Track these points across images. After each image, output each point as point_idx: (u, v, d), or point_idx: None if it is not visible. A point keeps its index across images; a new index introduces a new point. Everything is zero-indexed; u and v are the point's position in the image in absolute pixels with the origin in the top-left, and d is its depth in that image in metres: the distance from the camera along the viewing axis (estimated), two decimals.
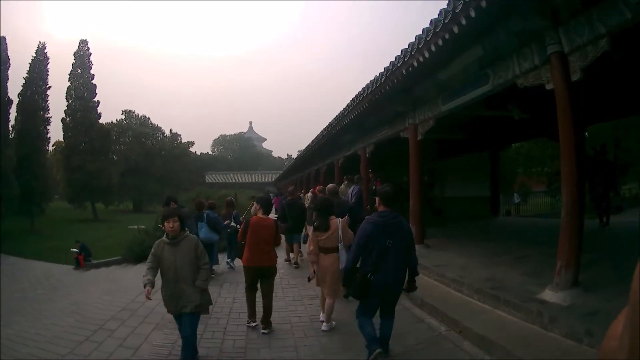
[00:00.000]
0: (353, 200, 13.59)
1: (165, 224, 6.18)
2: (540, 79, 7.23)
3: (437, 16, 8.01)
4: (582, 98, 7.16)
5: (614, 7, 5.75)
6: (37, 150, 49.35)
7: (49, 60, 54.51)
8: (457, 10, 7.14)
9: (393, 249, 5.86)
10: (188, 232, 6.58)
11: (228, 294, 10.39)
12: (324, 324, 7.70)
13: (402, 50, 9.90)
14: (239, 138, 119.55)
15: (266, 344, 7.13)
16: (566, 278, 6.75)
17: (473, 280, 8.64)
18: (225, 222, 12.35)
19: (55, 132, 66.09)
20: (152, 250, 6.32)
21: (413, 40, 9.26)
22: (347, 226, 7.67)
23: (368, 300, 6.13)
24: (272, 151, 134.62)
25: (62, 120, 58.34)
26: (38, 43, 54.82)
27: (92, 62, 62.22)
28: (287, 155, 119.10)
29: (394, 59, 10.50)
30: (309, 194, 18.10)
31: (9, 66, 46.08)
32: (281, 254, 14.02)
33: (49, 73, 54.19)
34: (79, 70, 60.39)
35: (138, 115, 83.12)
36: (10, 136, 46.90)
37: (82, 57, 61.14)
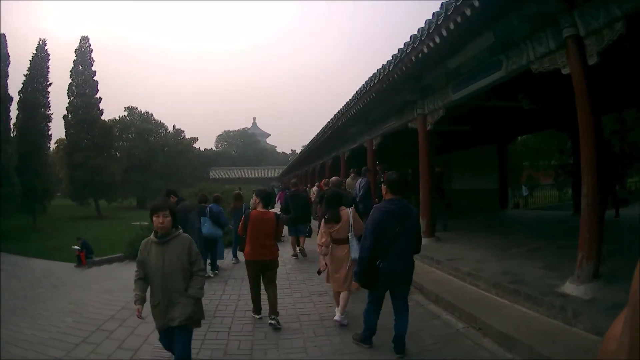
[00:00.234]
0: (361, 193, 13.40)
1: (154, 218, 5.07)
2: (556, 64, 6.97)
3: None
4: (597, 84, 6.82)
5: None
6: (38, 147, 49.01)
7: (50, 57, 54.25)
8: None
9: (403, 235, 5.78)
10: (181, 230, 5.49)
11: (233, 290, 10.08)
12: (338, 314, 7.50)
13: (411, 36, 9.56)
14: (242, 134, 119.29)
15: (274, 344, 6.76)
16: (587, 270, 6.52)
17: (489, 274, 8.35)
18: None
19: (58, 130, 66.12)
20: (138, 255, 5.30)
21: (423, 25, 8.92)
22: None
23: (377, 290, 6.08)
24: (276, 146, 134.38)
25: (64, 117, 57.92)
26: (38, 40, 54.73)
27: (94, 59, 61.87)
28: (292, 150, 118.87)
29: (402, 46, 10.12)
30: (315, 188, 17.92)
31: (9, 63, 45.78)
32: (287, 249, 13.82)
33: (49, 70, 53.88)
34: (80, 67, 59.94)
35: (141, 111, 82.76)
36: (11, 134, 46.69)
37: (84, 54, 60.71)
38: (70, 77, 59.43)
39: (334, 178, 11.87)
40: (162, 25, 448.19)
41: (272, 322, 7.44)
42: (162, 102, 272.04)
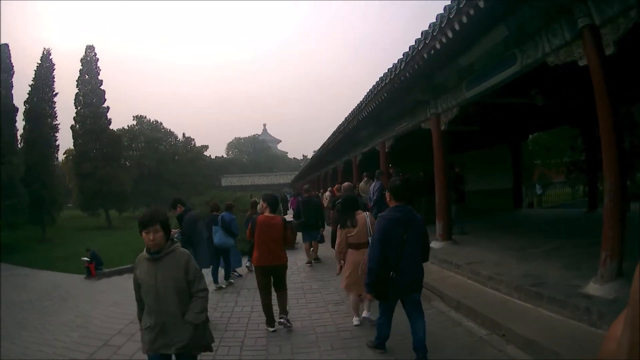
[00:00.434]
0: (375, 197, 13.20)
1: (143, 234, 4.37)
2: (573, 56, 6.72)
3: None
4: (614, 76, 6.50)
5: None
6: (45, 158, 48.70)
7: (55, 67, 53.81)
8: None
9: (409, 242, 5.71)
10: (179, 244, 4.77)
11: (246, 301, 9.82)
12: (365, 311, 7.66)
13: (422, 32, 9.23)
14: (253, 140, 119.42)
15: (289, 358, 6.46)
16: (611, 269, 6.25)
17: (510, 277, 8.08)
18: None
19: (66, 141, 66.07)
20: (134, 273, 4.66)
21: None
22: None
23: (390, 299, 5.97)
24: (287, 152, 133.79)
25: (72, 127, 57.87)
26: (43, 50, 54.55)
27: (100, 68, 61.68)
28: (303, 156, 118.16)
29: (413, 43, 9.80)
30: (327, 193, 17.78)
31: (13, 74, 45.52)
32: (301, 256, 13.66)
33: (55, 80, 53.36)
34: (87, 77, 59.77)
35: (150, 120, 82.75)
36: (18, 145, 46.61)
37: (89, 63, 60.55)
38: (77, 86, 59.32)
39: (345, 183, 11.82)
40: (169, 35, 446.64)
41: (282, 320, 7.62)
42: (172, 111, 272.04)
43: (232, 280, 11.68)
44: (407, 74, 10.53)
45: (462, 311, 7.73)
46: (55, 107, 52.39)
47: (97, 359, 7.08)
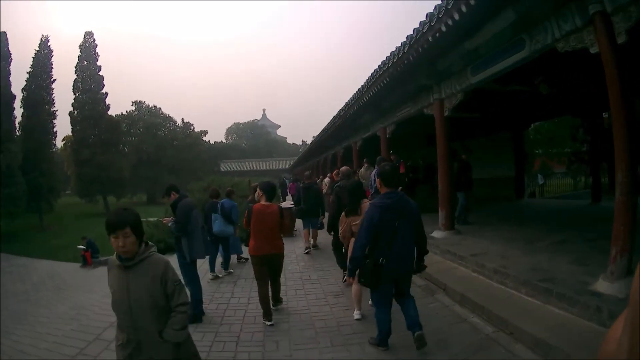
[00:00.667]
0: (376, 184, 12.92)
1: (112, 240, 3.61)
2: (583, 42, 6.49)
3: None
4: (626, 66, 6.25)
5: None
6: (43, 145, 48.93)
7: (53, 54, 54.11)
8: None
9: (402, 230, 5.60)
10: (155, 249, 3.93)
11: (242, 292, 9.51)
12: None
13: (427, 14, 8.91)
14: (252, 126, 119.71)
15: (287, 356, 6.17)
16: (622, 266, 6.03)
17: (517, 270, 7.78)
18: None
19: (65, 128, 66.33)
20: (108, 278, 3.90)
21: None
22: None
23: (382, 288, 5.82)
24: (286, 138, 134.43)
25: (70, 113, 58.26)
26: (41, 37, 54.63)
27: (98, 54, 61.95)
28: (302, 141, 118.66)
29: (417, 25, 9.50)
30: (327, 179, 17.60)
31: (11, 61, 45.41)
32: (299, 244, 13.99)
33: (53, 67, 53.78)
34: (85, 63, 60.07)
35: (149, 105, 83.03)
36: (17, 132, 46.45)
37: (88, 49, 60.84)
38: (75, 73, 59.65)
39: (344, 168, 11.49)
40: (167, 18, 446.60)
41: (274, 307, 7.78)
42: (171, 96, 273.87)
43: (231, 270, 11.45)
44: (411, 57, 10.22)
45: (467, 306, 7.45)
46: (53, 94, 52.81)
47: (86, 355, 6.83)
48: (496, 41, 8.78)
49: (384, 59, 12.02)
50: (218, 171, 77.53)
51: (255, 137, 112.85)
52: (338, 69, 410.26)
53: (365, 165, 16.11)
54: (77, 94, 58.76)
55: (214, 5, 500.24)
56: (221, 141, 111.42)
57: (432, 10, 8.65)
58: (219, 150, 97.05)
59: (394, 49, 11.17)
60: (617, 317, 1.14)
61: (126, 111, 79.10)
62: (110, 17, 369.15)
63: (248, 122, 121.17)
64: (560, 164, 34.51)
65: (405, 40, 10.33)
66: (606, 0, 5.91)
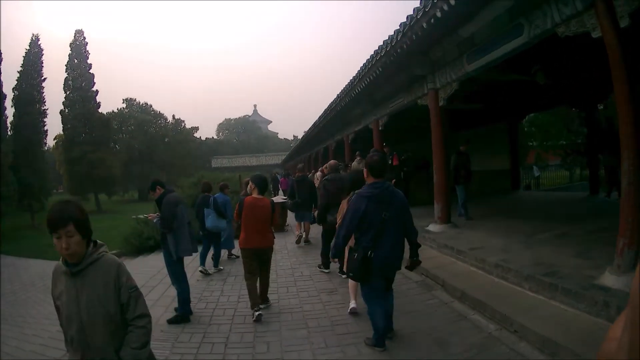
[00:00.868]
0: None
1: (54, 240, 2.97)
2: (585, 26, 6.31)
3: None
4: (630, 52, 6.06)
5: None
6: (34, 143, 48.56)
7: (43, 52, 53.76)
8: None
9: (390, 221, 5.48)
10: (105, 248, 3.26)
11: (232, 291, 9.25)
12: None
13: (421, 0, 8.64)
14: (244, 121, 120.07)
15: (278, 358, 5.89)
16: (629, 258, 5.80)
17: (520, 265, 7.53)
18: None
19: (56, 127, 66.53)
20: (51, 289, 3.26)
21: None
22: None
23: (372, 281, 5.66)
24: (277, 133, 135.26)
25: (61, 112, 58.21)
26: (31, 35, 54.34)
27: (89, 52, 61.75)
28: (293, 136, 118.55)
29: (412, 12, 9.23)
30: (318, 173, 17.44)
31: (1, 60, 45.23)
32: (291, 239, 14.16)
33: (43, 65, 53.33)
34: (76, 61, 59.92)
35: (139, 102, 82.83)
36: (8, 132, 46.28)
37: (79, 47, 60.68)
38: (66, 71, 59.55)
39: (332, 161, 11.52)
40: (158, 18, 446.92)
41: (262, 306, 7.55)
42: (162, 93, 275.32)
43: (221, 267, 11.25)
44: (404, 46, 9.99)
45: (468, 302, 7.19)
46: (43, 93, 52.48)
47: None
48: (493, 27, 8.62)
49: (377, 48, 11.74)
50: (209, 167, 77.82)
51: (246, 132, 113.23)
52: (332, 66, 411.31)
53: (358, 158, 15.98)
54: (67, 92, 58.72)
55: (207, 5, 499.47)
56: (212, 137, 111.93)
57: None
58: (210, 147, 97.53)
59: (387, 38, 10.91)
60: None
61: (117, 109, 79.07)
62: (101, 16, 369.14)
63: (239, 117, 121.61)
64: (556, 156, 34.44)
65: (398, 28, 10.07)
66: None
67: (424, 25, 8.71)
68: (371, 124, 17.11)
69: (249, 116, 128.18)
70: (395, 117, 15.46)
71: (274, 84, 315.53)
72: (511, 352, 5.42)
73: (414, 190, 16.40)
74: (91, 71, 60.48)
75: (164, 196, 7.67)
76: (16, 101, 48.73)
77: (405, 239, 5.80)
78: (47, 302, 12.52)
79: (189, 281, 8.17)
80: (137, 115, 78.28)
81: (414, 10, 9.07)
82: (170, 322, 7.32)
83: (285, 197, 16.80)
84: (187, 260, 8.25)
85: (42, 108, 51.85)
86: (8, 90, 46.90)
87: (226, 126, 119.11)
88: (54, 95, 59.54)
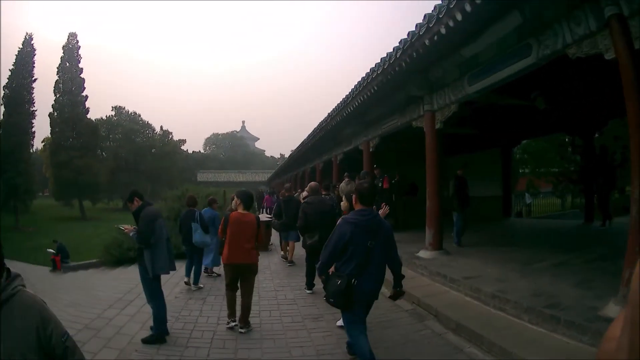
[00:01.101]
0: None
1: None
2: (597, 48, 6.14)
3: None
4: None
5: None
6: (22, 145, 48.81)
7: (36, 52, 54.17)
8: None
9: (375, 250, 5.36)
10: (20, 282, 2.27)
11: (212, 312, 8.79)
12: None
13: (425, 15, 8.40)
14: (231, 137, 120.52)
15: None
16: None
17: (518, 295, 7.27)
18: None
19: (45, 129, 66.36)
20: None
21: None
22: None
23: (355, 308, 5.48)
24: (264, 150, 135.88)
25: (50, 115, 57.99)
26: (25, 34, 54.39)
27: (81, 56, 61.99)
28: (280, 154, 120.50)
29: (414, 29, 8.95)
30: (304, 193, 17.17)
31: None
32: (274, 259, 14.14)
33: (35, 65, 53.79)
34: (68, 64, 60.15)
35: (128, 111, 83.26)
36: None
37: (71, 51, 60.92)
38: (57, 73, 59.72)
39: (312, 183, 11.38)
40: (149, 26, 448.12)
41: (242, 331, 7.37)
42: (150, 104, 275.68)
43: (201, 285, 10.89)
44: (403, 64, 9.72)
45: (463, 334, 6.84)
46: (33, 94, 52.84)
47: None
48: (499, 47, 8.43)
49: (373, 65, 11.48)
50: (195, 181, 78.07)
51: (233, 148, 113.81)
52: (321, 88, 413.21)
53: (346, 179, 15.56)
54: (57, 95, 58.70)
55: (198, 14, 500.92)
56: (199, 151, 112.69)
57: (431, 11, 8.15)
58: (196, 160, 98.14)
59: (385, 55, 10.64)
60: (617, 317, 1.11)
61: (106, 116, 79.51)
62: (93, 22, 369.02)
63: (227, 133, 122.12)
64: (547, 184, 34.46)
65: (398, 45, 9.81)
66: (622, 2, 5.63)
67: (427, 42, 8.50)
68: (362, 144, 16.88)
69: (237, 132, 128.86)
70: (387, 139, 15.24)
71: (263, 102, 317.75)
72: None
73: (405, 214, 16.24)
74: (82, 75, 60.72)
75: (142, 209, 7.27)
76: (6, 100, 48.77)
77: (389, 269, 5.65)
78: None
79: (168, 298, 7.85)
80: (126, 124, 78.92)
81: (416, 26, 8.82)
82: (145, 341, 6.93)
83: (270, 216, 16.74)
84: (166, 276, 7.90)
85: (31, 109, 52.10)
86: None
87: (214, 141, 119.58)
88: (43, 96, 59.37)
